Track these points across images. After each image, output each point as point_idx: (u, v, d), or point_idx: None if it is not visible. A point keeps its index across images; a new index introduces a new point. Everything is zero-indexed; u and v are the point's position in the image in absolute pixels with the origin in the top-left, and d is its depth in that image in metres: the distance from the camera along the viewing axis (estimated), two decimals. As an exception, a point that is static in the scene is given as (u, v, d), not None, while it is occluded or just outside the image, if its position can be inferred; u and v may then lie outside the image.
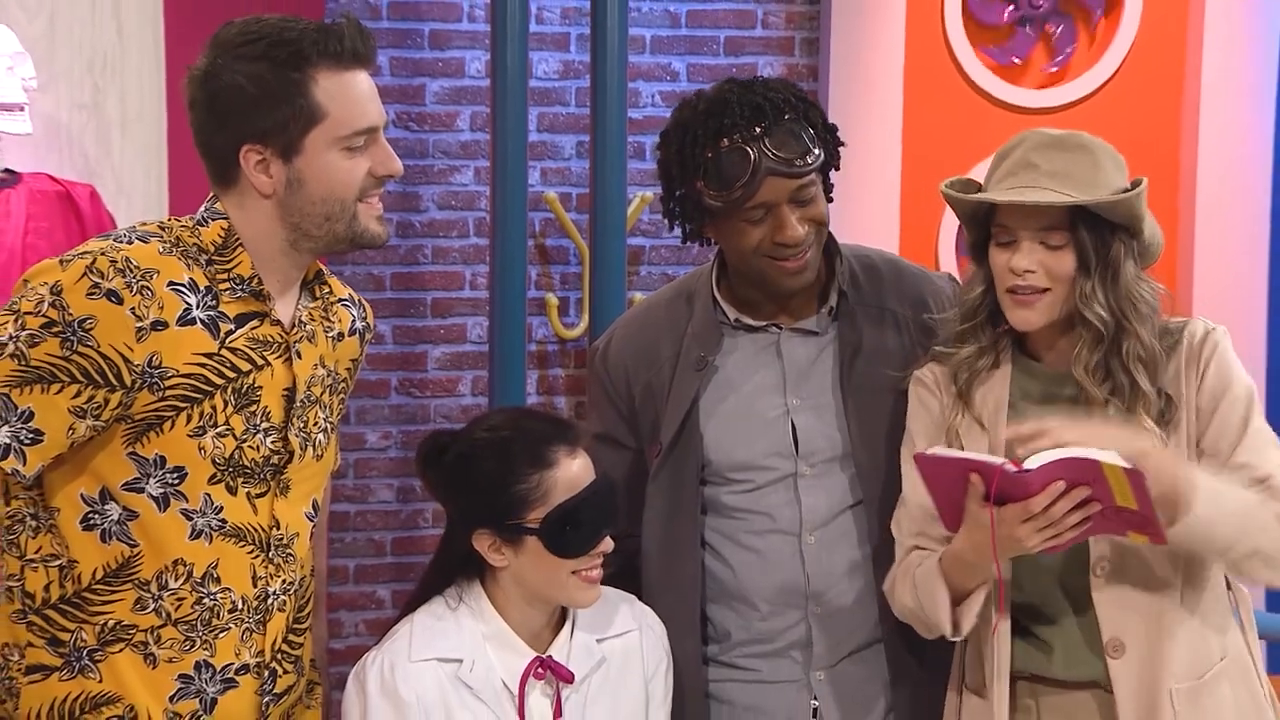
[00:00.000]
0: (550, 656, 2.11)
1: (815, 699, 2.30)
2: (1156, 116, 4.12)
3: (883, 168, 4.05)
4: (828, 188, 2.30)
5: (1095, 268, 2.10)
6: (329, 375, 2.07)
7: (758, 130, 2.21)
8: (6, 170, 3.19)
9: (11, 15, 3.31)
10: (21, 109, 3.16)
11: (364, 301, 2.21)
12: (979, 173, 4.21)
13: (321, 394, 2.05)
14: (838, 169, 2.31)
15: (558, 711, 2.10)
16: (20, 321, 1.81)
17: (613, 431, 2.41)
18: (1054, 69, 4.20)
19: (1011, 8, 4.17)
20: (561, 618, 2.16)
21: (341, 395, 2.12)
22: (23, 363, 1.80)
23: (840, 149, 2.31)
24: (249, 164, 1.92)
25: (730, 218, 2.23)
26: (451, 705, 2.05)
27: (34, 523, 1.91)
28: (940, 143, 4.10)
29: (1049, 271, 2.11)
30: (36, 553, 1.90)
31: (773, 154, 2.21)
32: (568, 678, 2.11)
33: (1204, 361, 2.15)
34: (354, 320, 2.15)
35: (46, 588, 1.90)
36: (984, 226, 2.18)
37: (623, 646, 2.18)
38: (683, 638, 2.29)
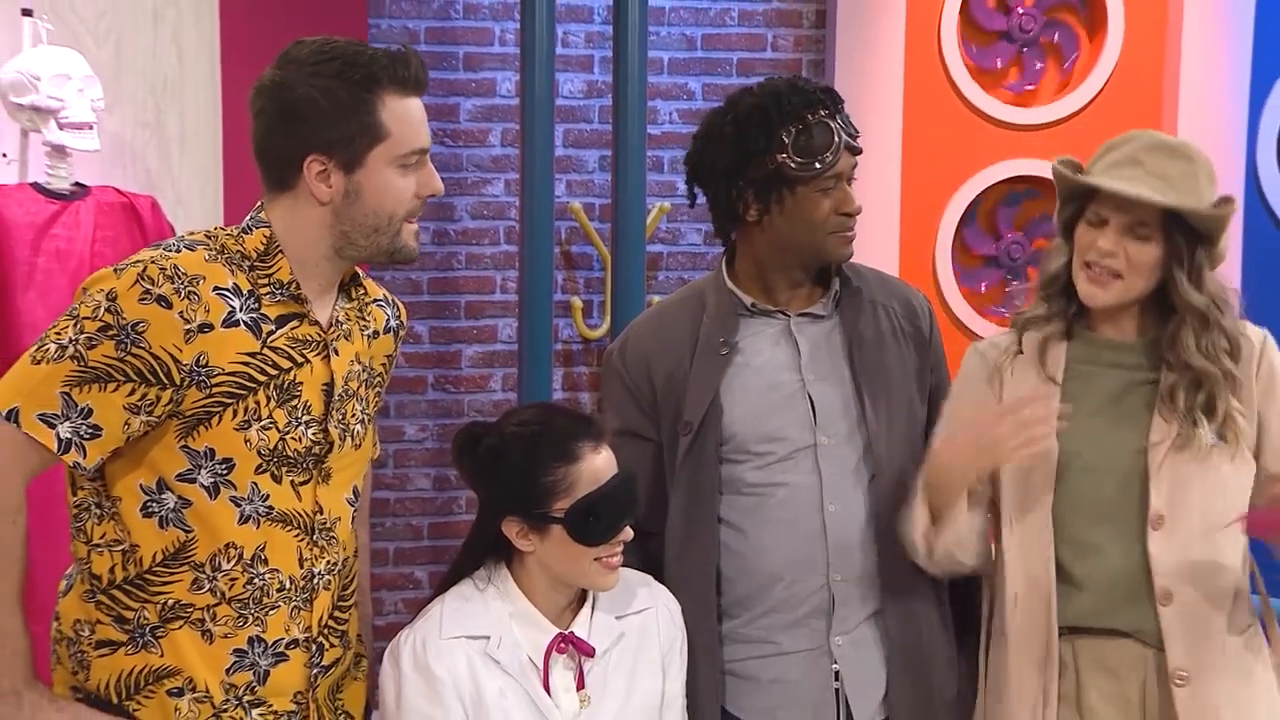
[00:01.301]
0: (573, 632, 2.10)
1: (836, 663, 2.29)
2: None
3: (883, 181, 4.05)
4: None
5: (1185, 262, 2.14)
6: (365, 371, 2.07)
7: (831, 109, 2.28)
8: (77, 184, 3.21)
9: (83, 43, 3.34)
10: (91, 128, 3.17)
11: (398, 301, 2.21)
12: (977, 183, 4.26)
13: (358, 388, 2.04)
14: None
15: (580, 683, 2.10)
16: (79, 326, 1.83)
17: (633, 426, 2.37)
18: (1029, 87, 4.21)
19: (1004, 34, 4.17)
20: (582, 597, 2.15)
21: (378, 389, 2.13)
22: (82, 364, 1.81)
23: None
24: (311, 173, 1.92)
25: (808, 186, 2.26)
26: (480, 679, 2.05)
27: (98, 511, 1.93)
28: (937, 157, 4.11)
29: (1130, 259, 2.15)
30: (101, 538, 1.92)
31: (846, 130, 2.28)
32: (589, 652, 2.10)
33: (1271, 372, 2.21)
34: (389, 319, 2.15)
35: (111, 570, 1.91)
36: (1078, 206, 2.21)
37: (640, 623, 2.17)
38: (701, 612, 2.28)
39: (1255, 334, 2.23)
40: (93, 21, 3.40)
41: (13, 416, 1.81)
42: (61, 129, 3.15)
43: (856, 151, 2.31)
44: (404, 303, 4.33)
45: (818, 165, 2.25)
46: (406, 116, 1.93)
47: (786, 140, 2.25)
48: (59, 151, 3.18)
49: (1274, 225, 4.25)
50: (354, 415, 2.03)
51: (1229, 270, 4.00)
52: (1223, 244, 2.20)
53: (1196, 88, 4.13)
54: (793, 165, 2.25)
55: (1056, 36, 4.22)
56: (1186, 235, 2.13)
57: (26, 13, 3.25)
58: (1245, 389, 2.19)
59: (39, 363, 1.83)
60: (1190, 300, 2.15)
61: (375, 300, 2.13)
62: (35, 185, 3.19)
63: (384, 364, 2.14)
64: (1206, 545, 2.15)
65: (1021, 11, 4.17)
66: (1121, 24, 4.16)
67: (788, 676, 2.30)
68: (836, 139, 2.26)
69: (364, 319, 2.09)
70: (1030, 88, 4.22)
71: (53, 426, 1.82)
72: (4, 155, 3.28)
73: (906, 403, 2.35)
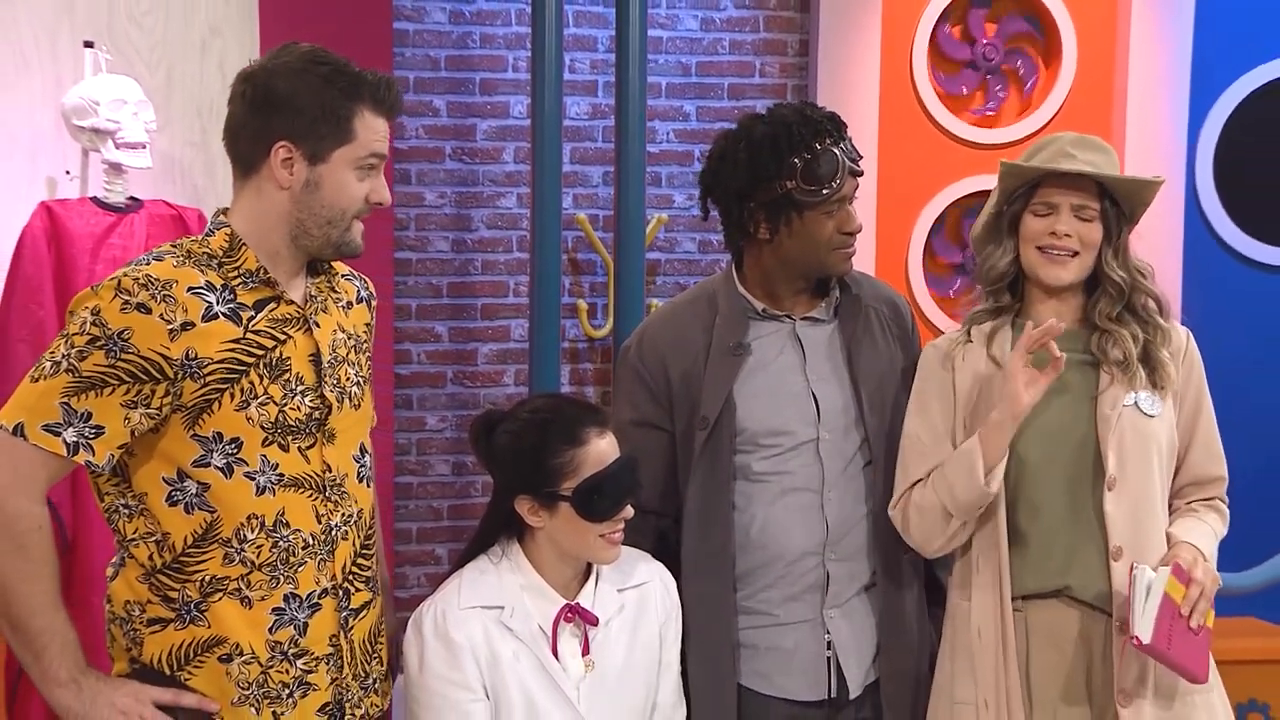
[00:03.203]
0: (578, 603, 2.12)
1: (829, 633, 2.30)
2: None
3: (860, 195, 4.03)
4: None
5: (1113, 240, 2.21)
6: (350, 338, 2.06)
7: (837, 137, 2.27)
8: (131, 198, 3.22)
9: (137, 71, 3.35)
10: (144, 147, 3.18)
11: (364, 276, 2.18)
12: (943, 199, 4.29)
13: (348, 354, 2.04)
14: None
15: (585, 649, 2.12)
16: (70, 342, 1.82)
17: (649, 418, 2.35)
18: (990, 111, 4.24)
19: (969, 60, 4.21)
20: (588, 570, 2.16)
21: (366, 354, 2.11)
22: (76, 376, 1.81)
23: None
24: (277, 158, 1.90)
25: (815, 210, 2.25)
26: (495, 645, 2.06)
27: (126, 511, 1.92)
28: (908, 173, 4.13)
29: (1081, 238, 2.19)
30: (135, 533, 1.91)
31: (849, 157, 2.27)
32: (593, 621, 2.12)
33: (1191, 363, 2.26)
34: (359, 290, 2.13)
35: (150, 558, 1.91)
36: (1023, 201, 2.24)
37: (639, 596, 2.19)
38: (721, 591, 2.28)
39: (1181, 330, 2.29)
40: (146, 52, 3.42)
41: (19, 431, 1.80)
42: (118, 148, 3.16)
43: (858, 174, 2.30)
44: (425, 305, 4.38)
45: (825, 191, 2.24)
46: (374, 129, 1.95)
47: (796, 167, 2.24)
48: (115, 169, 3.19)
49: (1211, 237, 4.27)
50: (348, 379, 2.03)
51: (1170, 284, 4.08)
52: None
53: (1141, 113, 4.16)
54: (801, 191, 2.24)
55: (1017, 64, 4.25)
56: (1116, 215, 2.21)
57: (88, 44, 3.27)
58: (1171, 368, 2.23)
59: (37, 380, 1.82)
60: (1113, 274, 2.21)
61: (343, 275, 2.12)
62: (94, 199, 3.20)
63: (365, 331, 2.13)
64: (1147, 504, 2.19)
65: (985, 42, 4.20)
66: (1075, 55, 4.19)
67: (783, 644, 2.30)
68: (841, 166, 2.24)
69: (336, 292, 2.07)
70: (993, 111, 4.25)
71: (58, 434, 1.81)
72: (67, 173, 3.30)
73: (895, 397, 2.35)
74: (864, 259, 3.94)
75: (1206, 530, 2.23)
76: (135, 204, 3.22)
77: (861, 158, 2.32)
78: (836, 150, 2.25)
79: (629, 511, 2.11)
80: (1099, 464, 2.18)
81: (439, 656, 2.05)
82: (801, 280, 2.34)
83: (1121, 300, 2.22)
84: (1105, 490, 2.17)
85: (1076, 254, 2.20)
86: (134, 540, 1.91)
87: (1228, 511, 2.30)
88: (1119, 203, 2.22)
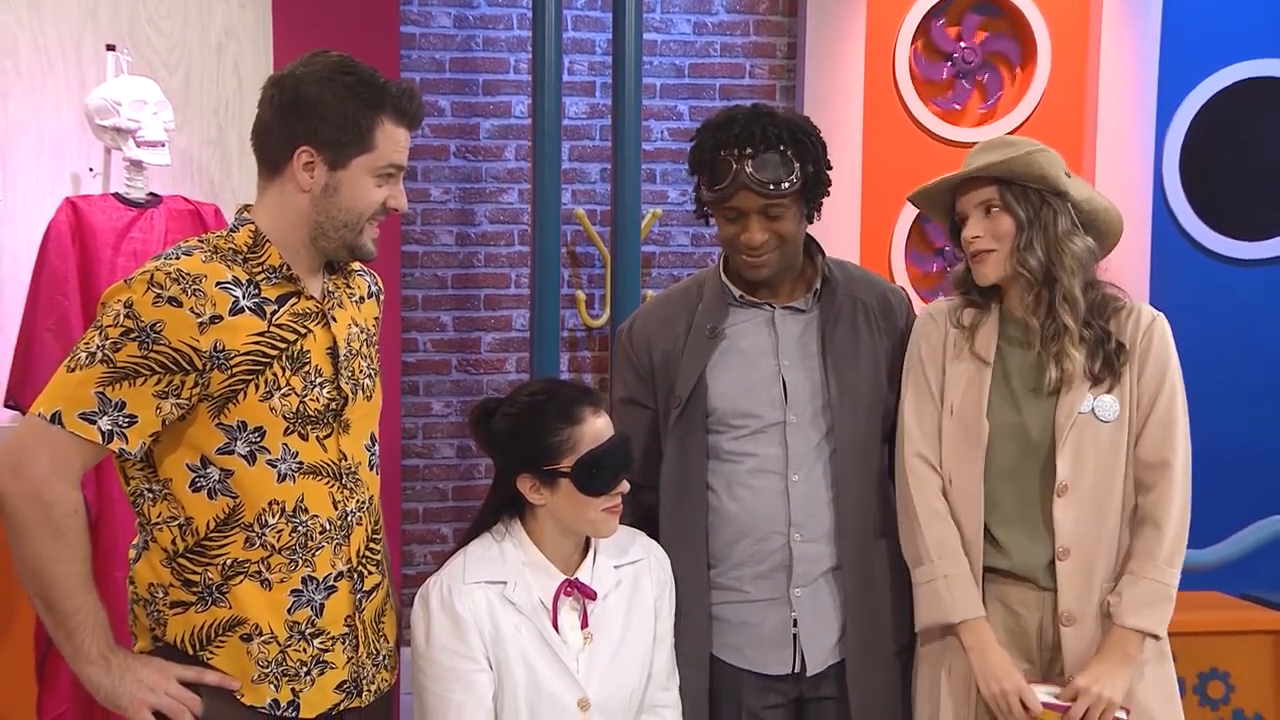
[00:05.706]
0: (577, 579, 2.12)
1: (794, 611, 2.28)
2: (1062, 150, 4.14)
3: (846, 194, 4.08)
4: (809, 211, 2.29)
5: (1028, 224, 2.15)
6: (362, 331, 2.05)
7: (746, 151, 2.20)
8: (151, 194, 3.22)
9: (157, 73, 3.37)
10: (163, 145, 3.19)
11: (374, 272, 2.17)
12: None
13: (360, 347, 2.02)
14: (818, 198, 2.30)
15: (584, 622, 2.11)
16: (104, 334, 1.81)
17: (636, 395, 2.37)
18: (984, 110, 4.24)
19: (949, 65, 4.22)
20: (585, 547, 2.15)
21: (375, 346, 2.10)
22: (110, 366, 1.79)
23: (828, 187, 2.30)
24: (298, 161, 1.89)
25: (715, 210, 2.27)
26: (499, 618, 2.06)
27: (150, 495, 1.90)
28: (891, 172, 4.13)
29: (992, 234, 2.17)
30: (159, 517, 1.90)
31: (750, 173, 2.20)
32: (591, 595, 2.11)
33: (1150, 343, 2.18)
34: (369, 286, 2.12)
35: (173, 542, 1.89)
36: (953, 218, 2.25)
37: (634, 571, 2.18)
38: (693, 563, 2.28)
39: (1147, 313, 2.21)
40: (165, 54, 3.42)
41: (57, 419, 1.79)
42: (139, 146, 3.16)
43: (767, 195, 2.21)
44: (430, 296, 4.38)
45: (709, 197, 2.25)
46: (394, 139, 1.93)
47: (704, 167, 2.26)
48: (136, 166, 3.19)
49: (1177, 232, 4.28)
50: (361, 371, 2.02)
51: (1138, 277, 4.10)
52: (1085, 198, 2.19)
53: (1112, 115, 4.16)
54: (703, 188, 2.27)
55: (995, 66, 4.25)
56: (1026, 197, 2.15)
57: (110, 48, 3.27)
58: (1124, 366, 2.18)
59: (73, 370, 1.80)
60: (1026, 264, 2.16)
61: (356, 271, 2.11)
62: (116, 195, 3.20)
63: (374, 325, 2.12)
64: (1096, 509, 2.16)
65: (964, 45, 4.20)
66: (1049, 57, 4.19)
67: (751, 620, 2.29)
68: (733, 178, 2.20)
69: (350, 288, 2.06)
70: (989, 107, 4.24)
71: (93, 422, 1.79)
72: (90, 170, 3.30)
73: (872, 389, 2.32)
74: (849, 252, 3.96)
75: (1152, 594, 2.13)
76: (155, 199, 3.23)
77: (782, 180, 2.21)
78: (735, 163, 2.20)
79: (625, 485, 2.10)
80: (1054, 469, 2.16)
81: (445, 629, 2.05)
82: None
83: (1034, 290, 2.17)
84: (1055, 496, 2.15)
85: (994, 250, 2.18)
86: (158, 524, 1.90)
87: (1171, 518, 2.14)
88: (1032, 189, 2.16)
